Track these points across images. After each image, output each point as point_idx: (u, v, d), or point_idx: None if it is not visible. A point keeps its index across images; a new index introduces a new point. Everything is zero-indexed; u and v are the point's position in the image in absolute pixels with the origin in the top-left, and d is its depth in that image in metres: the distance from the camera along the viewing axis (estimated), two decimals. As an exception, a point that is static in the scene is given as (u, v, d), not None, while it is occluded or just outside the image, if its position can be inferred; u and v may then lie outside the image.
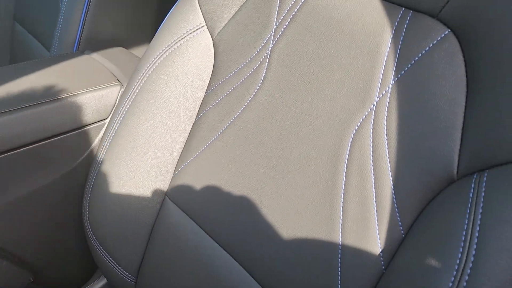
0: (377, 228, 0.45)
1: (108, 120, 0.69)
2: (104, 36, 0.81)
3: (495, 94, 0.39)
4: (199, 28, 0.60)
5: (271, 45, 0.54)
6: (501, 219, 0.35)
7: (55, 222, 0.72)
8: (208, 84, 0.61)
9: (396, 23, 0.45)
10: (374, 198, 0.45)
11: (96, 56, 0.74)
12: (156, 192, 0.66)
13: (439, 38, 0.43)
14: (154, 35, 0.65)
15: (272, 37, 0.54)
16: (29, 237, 0.69)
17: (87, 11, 0.77)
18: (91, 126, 0.68)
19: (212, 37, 0.60)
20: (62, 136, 0.66)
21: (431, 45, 0.43)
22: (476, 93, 0.40)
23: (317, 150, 0.50)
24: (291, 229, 0.51)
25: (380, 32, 0.46)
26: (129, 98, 0.64)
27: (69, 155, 0.68)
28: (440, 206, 0.41)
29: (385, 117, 0.45)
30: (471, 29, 0.41)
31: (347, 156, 0.47)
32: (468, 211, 0.37)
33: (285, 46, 0.53)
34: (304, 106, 0.51)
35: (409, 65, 0.44)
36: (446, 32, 0.43)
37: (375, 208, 0.45)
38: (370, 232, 0.45)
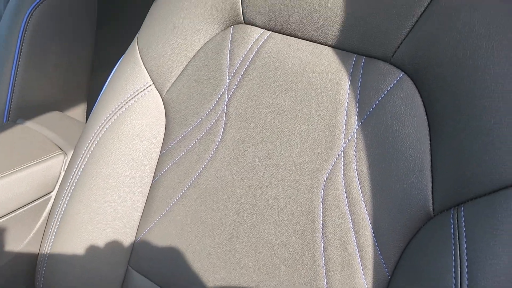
0: (362, 272, 0.45)
1: (54, 193, 0.64)
2: (37, 101, 0.75)
3: (457, 131, 0.41)
4: (147, 87, 0.58)
5: (226, 100, 0.54)
6: (488, 254, 0.36)
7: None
8: (162, 144, 0.59)
9: (351, 69, 0.47)
10: (355, 243, 0.45)
11: (31, 124, 0.68)
12: (118, 263, 0.61)
13: (395, 82, 0.44)
14: (89, 94, 0.61)
15: (226, 92, 0.54)
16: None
17: (16, 76, 0.71)
18: (35, 202, 0.62)
19: (161, 96, 0.58)
20: (3, 219, 0.59)
21: (389, 88, 0.44)
22: (439, 131, 0.42)
23: (289, 202, 0.49)
24: (270, 285, 0.50)
25: (337, 80, 0.47)
26: (78, 168, 0.59)
27: (14, 238, 0.61)
28: (422, 244, 0.42)
29: (355, 162, 0.46)
30: (424, 72, 0.43)
31: (321, 204, 0.47)
32: (453, 247, 0.38)
33: (242, 99, 0.53)
34: (269, 158, 0.50)
35: (371, 109, 0.45)
36: (401, 75, 0.44)
37: (357, 252, 0.45)
38: (356, 278, 0.45)
